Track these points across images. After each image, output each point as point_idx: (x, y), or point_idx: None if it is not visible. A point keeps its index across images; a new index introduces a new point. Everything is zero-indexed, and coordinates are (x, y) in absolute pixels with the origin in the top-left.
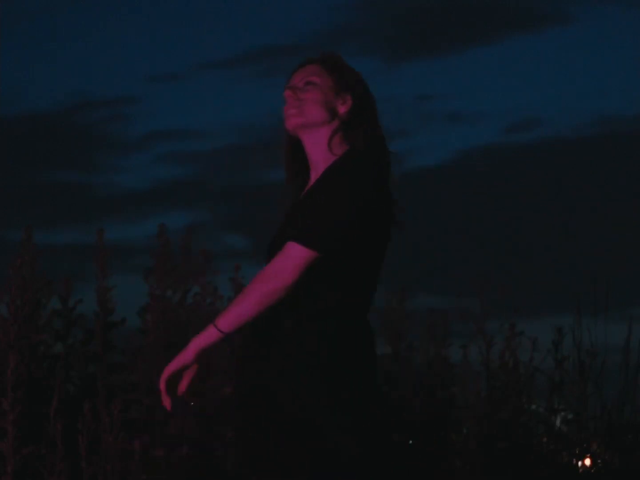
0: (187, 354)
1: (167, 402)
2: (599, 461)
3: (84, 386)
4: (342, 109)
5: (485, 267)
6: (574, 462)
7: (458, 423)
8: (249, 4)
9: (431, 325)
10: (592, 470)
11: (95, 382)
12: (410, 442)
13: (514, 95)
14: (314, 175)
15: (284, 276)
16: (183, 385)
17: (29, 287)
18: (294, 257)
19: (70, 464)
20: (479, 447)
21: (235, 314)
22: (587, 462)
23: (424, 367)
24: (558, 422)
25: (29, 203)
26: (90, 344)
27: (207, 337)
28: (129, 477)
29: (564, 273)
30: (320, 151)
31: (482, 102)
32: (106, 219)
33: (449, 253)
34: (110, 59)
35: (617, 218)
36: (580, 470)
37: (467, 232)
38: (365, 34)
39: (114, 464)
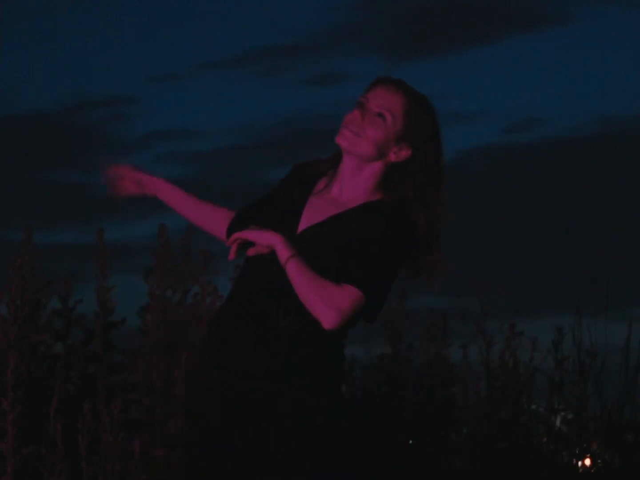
0: (268, 238)
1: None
2: (599, 461)
3: (84, 386)
4: (392, 157)
5: (485, 267)
6: (574, 462)
7: (458, 423)
8: (250, 3)
9: (431, 325)
10: (592, 470)
11: (95, 382)
12: (410, 442)
13: (514, 95)
14: (338, 190)
15: (337, 313)
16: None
17: (29, 287)
18: (351, 307)
19: (70, 464)
20: (479, 447)
21: (300, 276)
22: (587, 462)
23: (424, 367)
24: (558, 422)
25: (29, 203)
26: (90, 344)
27: (283, 248)
28: (129, 477)
29: (564, 273)
30: (355, 180)
31: (482, 102)
32: (106, 219)
33: (449, 253)
34: (110, 58)
35: (617, 218)
36: (580, 470)
37: (467, 232)
38: (365, 33)
39: (114, 464)
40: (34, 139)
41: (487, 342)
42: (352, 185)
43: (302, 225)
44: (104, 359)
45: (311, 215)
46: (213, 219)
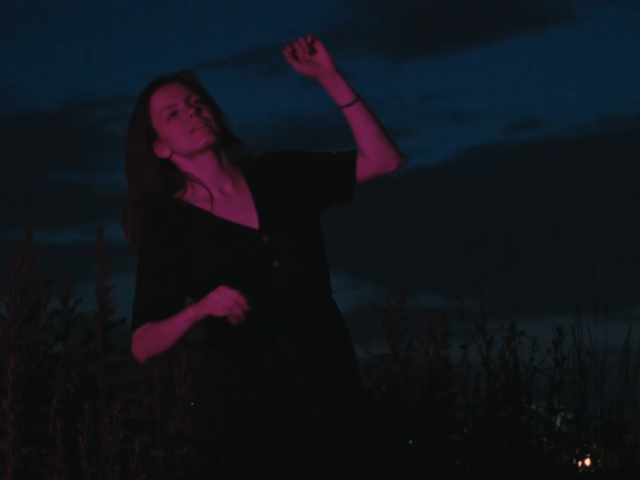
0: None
1: None
2: (599, 461)
3: (84, 386)
4: (225, 127)
5: (485, 267)
6: (574, 462)
7: (458, 423)
8: (251, 3)
9: (431, 325)
10: (592, 470)
11: (95, 382)
12: (410, 442)
13: (516, 95)
14: (225, 182)
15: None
16: None
17: (29, 287)
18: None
19: (70, 464)
20: (479, 447)
21: (371, 114)
22: (587, 462)
23: (424, 367)
24: (558, 422)
25: (29, 203)
26: (90, 344)
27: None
28: (129, 477)
29: (564, 273)
30: (226, 167)
31: (485, 102)
32: (107, 218)
33: (449, 253)
34: (112, 58)
35: (617, 218)
36: (580, 470)
37: (468, 231)
38: (367, 33)
39: (114, 464)
40: (35, 139)
41: (487, 342)
42: (225, 170)
43: (252, 224)
44: (104, 359)
45: (243, 217)
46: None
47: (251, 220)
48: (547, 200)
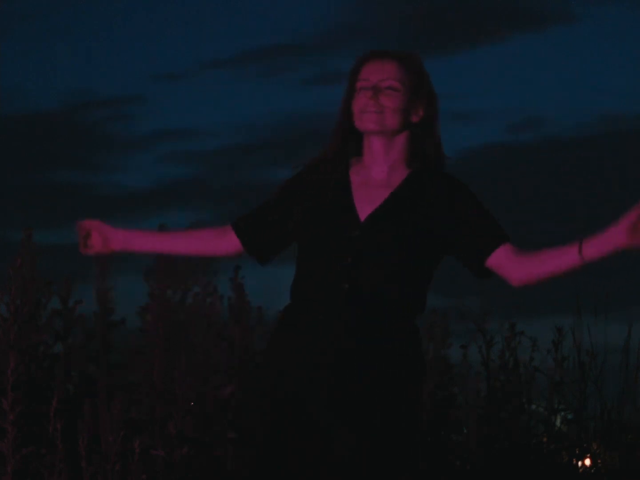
0: None
1: None
2: (599, 461)
3: (84, 386)
4: (415, 119)
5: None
6: (574, 462)
7: (458, 423)
8: (251, 3)
9: (431, 325)
10: (592, 470)
11: (95, 382)
12: None
13: (516, 95)
14: (381, 172)
15: None
16: None
17: (29, 287)
18: None
19: (70, 464)
20: (479, 447)
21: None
22: (587, 462)
23: None
24: (558, 422)
25: (29, 203)
26: (90, 344)
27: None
28: (129, 477)
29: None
30: (390, 156)
31: (485, 102)
32: (107, 219)
33: None
34: (113, 57)
35: (617, 217)
36: (580, 470)
37: None
38: (368, 33)
39: (114, 464)
40: (35, 139)
41: (487, 342)
42: (389, 161)
43: (362, 215)
44: (104, 359)
45: (365, 205)
46: (210, 239)
47: (364, 212)
48: (547, 200)
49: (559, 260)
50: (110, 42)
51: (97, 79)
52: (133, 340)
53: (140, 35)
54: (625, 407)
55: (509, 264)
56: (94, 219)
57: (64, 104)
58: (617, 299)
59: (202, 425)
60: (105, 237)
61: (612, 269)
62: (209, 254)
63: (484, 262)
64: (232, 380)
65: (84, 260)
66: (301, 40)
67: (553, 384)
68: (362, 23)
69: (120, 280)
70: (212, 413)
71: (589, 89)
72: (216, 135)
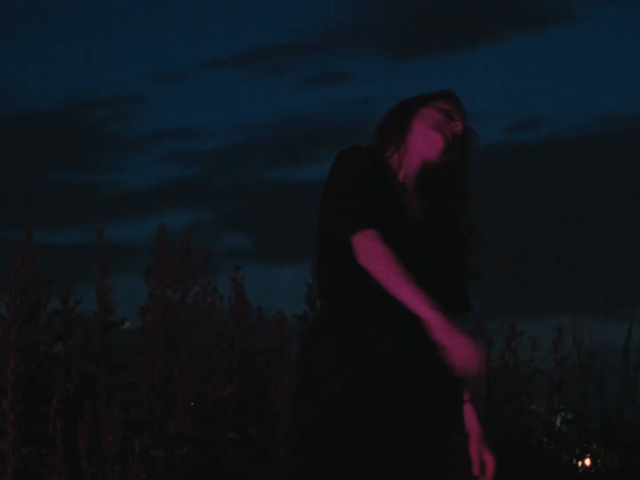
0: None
1: None
2: (599, 461)
3: (84, 386)
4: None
5: (485, 267)
6: (574, 462)
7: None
8: (251, 3)
9: None
10: (592, 470)
11: (95, 382)
12: None
13: (516, 95)
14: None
15: None
16: None
17: (29, 287)
18: None
19: (70, 464)
20: None
21: None
22: (587, 462)
23: None
24: (558, 422)
25: (29, 203)
26: (90, 344)
27: None
28: (129, 477)
29: (564, 273)
30: (414, 175)
31: (485, 101)
32: (107, 218)
33: None
34: (114, 57)
35: (617, 217)
36: (580, 470)
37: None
38: (367, 33)
39: (114, 464)
40: (35, 139)
41: (487, 342)
42: (412, 179)
43: (414, 216)
44: (104, 359)
45: (413, 207)
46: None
47: (415, 215)
48: (547, 200)
49: None
50: (110, 42)
51: (97, 79)
52: (133, 340)
53: (140, 35)
54: (626, 407)
55: None
56: None
57: (64, 104)
58: (617, 299)
59: (202, 425)
60: None
61: (612, 269)
62: None
63: None
64: (232, 380)
65: (84, 260)
66: (301, 40)
67: (553, 384)
68: (362, 23)
69: (120, 280)
70: (212, 413)
71: (589, 89)
72: (216, 135)
